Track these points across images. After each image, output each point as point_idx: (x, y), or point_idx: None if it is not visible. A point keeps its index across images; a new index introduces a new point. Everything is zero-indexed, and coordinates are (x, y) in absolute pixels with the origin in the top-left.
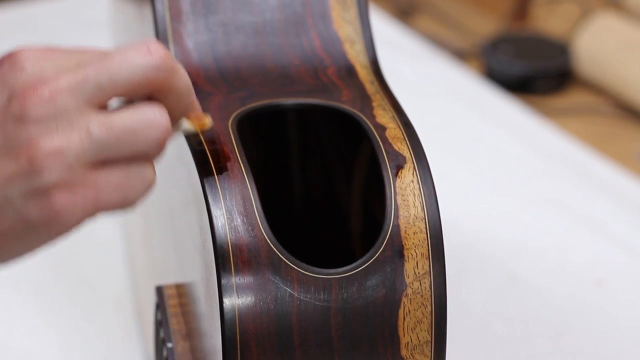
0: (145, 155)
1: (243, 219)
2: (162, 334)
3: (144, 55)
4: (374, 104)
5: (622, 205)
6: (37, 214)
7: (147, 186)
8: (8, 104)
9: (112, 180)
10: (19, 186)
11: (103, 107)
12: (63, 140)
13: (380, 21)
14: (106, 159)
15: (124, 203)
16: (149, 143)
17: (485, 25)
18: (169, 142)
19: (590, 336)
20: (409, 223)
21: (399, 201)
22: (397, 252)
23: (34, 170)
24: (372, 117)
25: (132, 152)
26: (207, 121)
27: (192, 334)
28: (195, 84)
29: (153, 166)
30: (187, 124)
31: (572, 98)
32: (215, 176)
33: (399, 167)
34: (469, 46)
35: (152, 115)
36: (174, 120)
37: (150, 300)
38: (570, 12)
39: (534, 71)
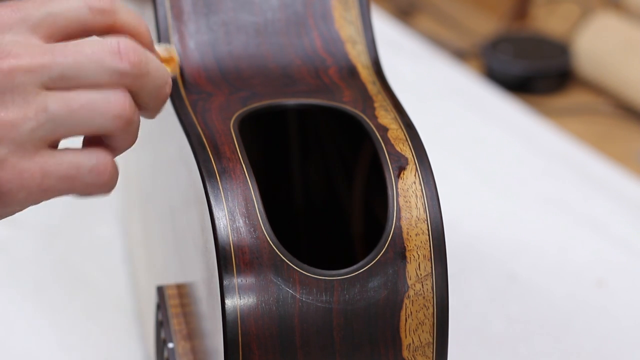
0: (105, 145)
1: (245, 220)
2: (163, 334)
3: (114, 58)
4: (376, 104)
5: (622, 205)
6: None
7: (100, 182)
8: None
9: (61, 169)
10: None
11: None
12: (18, 115)
13: (380, 21)
14: (60, 136)
15: (71, 192)
16: (108, 120)
17: (485, 25)
18: (134, 128)
19: (590, 336)
20: (411, 225)
21: (401, 202)
22: (399, 253)
23: None
24: (373, 117)
25: (90, 130)
26: (175, 55)
27: (193, 334)
28: (196, 84)
29: (112, 160)
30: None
31: (572, 98)
32: (217, 177)
33: (401, 169)
34: (469, 46)
35: (114, 94)
36: (143, 110)
37: (151, 300)
38: (570, 12)
39: (534, 71)
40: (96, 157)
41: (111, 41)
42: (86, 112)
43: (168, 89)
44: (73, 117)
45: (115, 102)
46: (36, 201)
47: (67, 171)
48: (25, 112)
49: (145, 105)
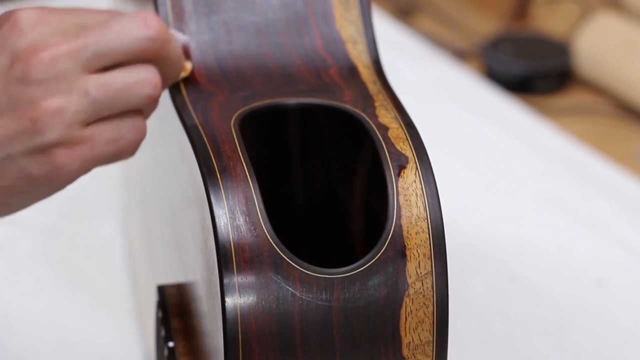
0: (137, 111)
1: (245, 218)
2: (163, 333)
3: (141, 28)
4: (376, 104)
5: (622, 205)
6: (38, 170)
7: (138, 138)
8: (11, 67)
9: (106, 135)
10: (21, 144)
11: (99, 71)
12: (63, 101)
13: (380, 21)
14: (101, 116)
15: (117, 155)
16: (141, 99)
17: (485, 25)
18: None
19: (590, 336)
20: (411, 223)
21: (401, 201)
22: (399, 252)
23: (37, 129)
24: (374, 117)
25: (126, 108)
26: (189, 66)
27: (193, 333)
28: (197, 83)
29: (144, 119)
30: None
31: (572, 98)
32: (218, 175)
33: (401, 167)
34: (469, 46)
35: (145, 75)
36: (165, 82)
37: (151, 299)
38: (570, 12)
39: (534, 71)
40: (131, 122)
41: (136, 15)
42: (123, 95)
43: (183, 60)
44: (111, 99)
45: (148, 82)
46: (88, 171)
47: (112, 134)
48: (70, 97)
49: (166, 76)
